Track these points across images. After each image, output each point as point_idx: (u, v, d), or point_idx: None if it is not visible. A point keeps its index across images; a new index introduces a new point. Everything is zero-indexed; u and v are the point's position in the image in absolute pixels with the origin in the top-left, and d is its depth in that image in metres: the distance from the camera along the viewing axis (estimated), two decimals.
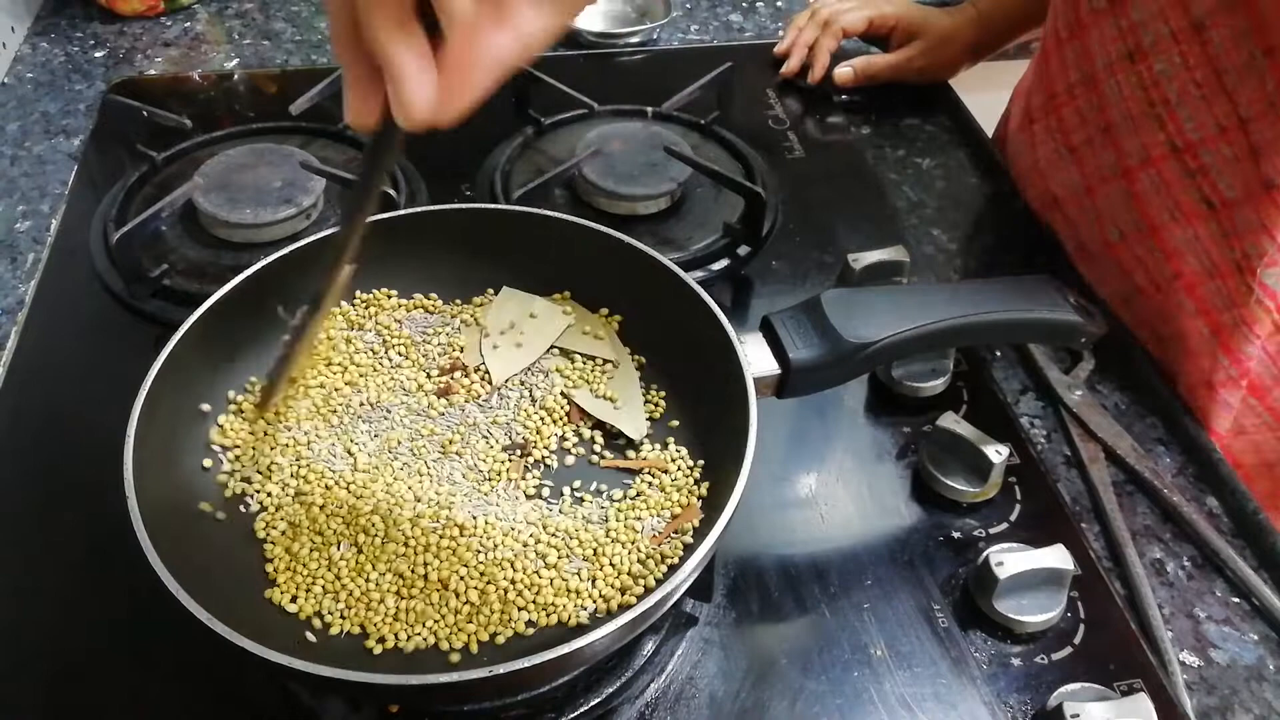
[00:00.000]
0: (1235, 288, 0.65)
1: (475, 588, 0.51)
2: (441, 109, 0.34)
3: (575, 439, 0.59)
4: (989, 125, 0.94)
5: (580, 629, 0.50)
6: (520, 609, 0.51)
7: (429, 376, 0.61)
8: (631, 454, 0.58)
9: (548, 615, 0.51)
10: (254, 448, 0.56)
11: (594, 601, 0.51)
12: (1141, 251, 0.71)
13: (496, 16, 0.33)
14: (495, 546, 0.53)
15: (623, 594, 0.51)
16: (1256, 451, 0.71)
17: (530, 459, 0.58)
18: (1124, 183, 0.71)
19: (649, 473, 0.57)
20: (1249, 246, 0.63)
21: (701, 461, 0.57)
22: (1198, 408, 0.69)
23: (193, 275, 0.72)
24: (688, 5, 1.10)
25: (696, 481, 0.56)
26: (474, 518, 0.54)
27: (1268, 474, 0.70)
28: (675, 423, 0.60)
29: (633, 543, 0.53)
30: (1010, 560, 0.52)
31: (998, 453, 0.57)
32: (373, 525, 0.53)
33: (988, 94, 0.98)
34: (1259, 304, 0.64)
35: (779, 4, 1.11)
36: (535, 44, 0.35)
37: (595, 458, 0.58)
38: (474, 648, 0.49)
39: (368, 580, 0.51)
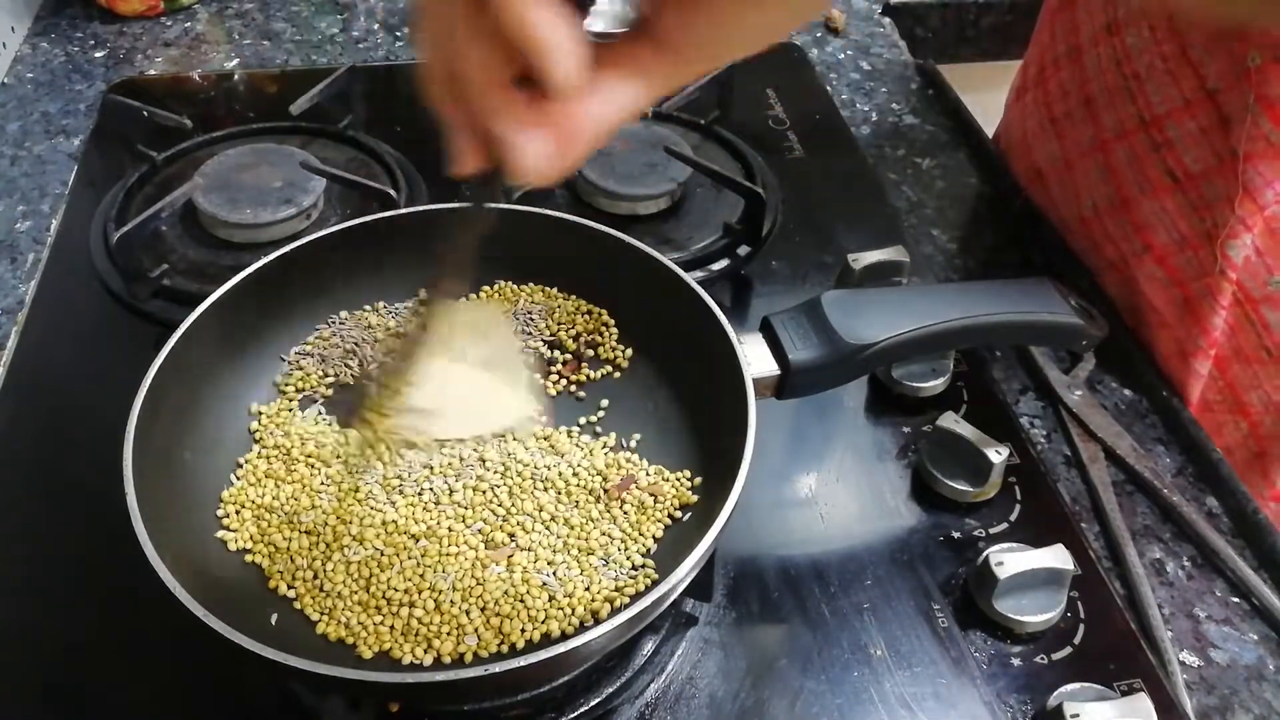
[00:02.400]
0: (1205, 257, 0.66)
1: (475, 605, 0.51)
2: (551, 170, 0.34)
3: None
4: (989, 125, 0.94)
5: (579, 628, 0.50)
6: (520, 627, 0.50)
7: None
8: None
9: (542, 624, 0.51)
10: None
11: (587, 606, 0.51)
12: (1112, 225, 0.72)
13: (594, 87, 0.34)
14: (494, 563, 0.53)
15: (619, 593, 0.51)
16: (1218, 432, 0.71)
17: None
18: (1100, 155, 0.72)
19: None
20: (1218, 217, 0.64)
21: (701, 462, 0.57)
22: (1175, 380, 0.69)
23: (193, 275, 0.72)
24: None
25: (694, 481, 0.56)
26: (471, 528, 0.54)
27: (1228, 458, 0.70)
28: (675, 423, 0.60)
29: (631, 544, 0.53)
30: (1010, 560, 0.52)
31: (998, 453, 0.57)
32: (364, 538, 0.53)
33: (988, 94, 0.98)
34: (1222, 274, 0.65)
35: None
36: (634, 112, 0.35)
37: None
38: (469, 659, 0.49)
39: (367, 593, 0.51)
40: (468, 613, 0.50)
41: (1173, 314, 0.69)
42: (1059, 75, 0.76)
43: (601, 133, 0.35)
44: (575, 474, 0.57)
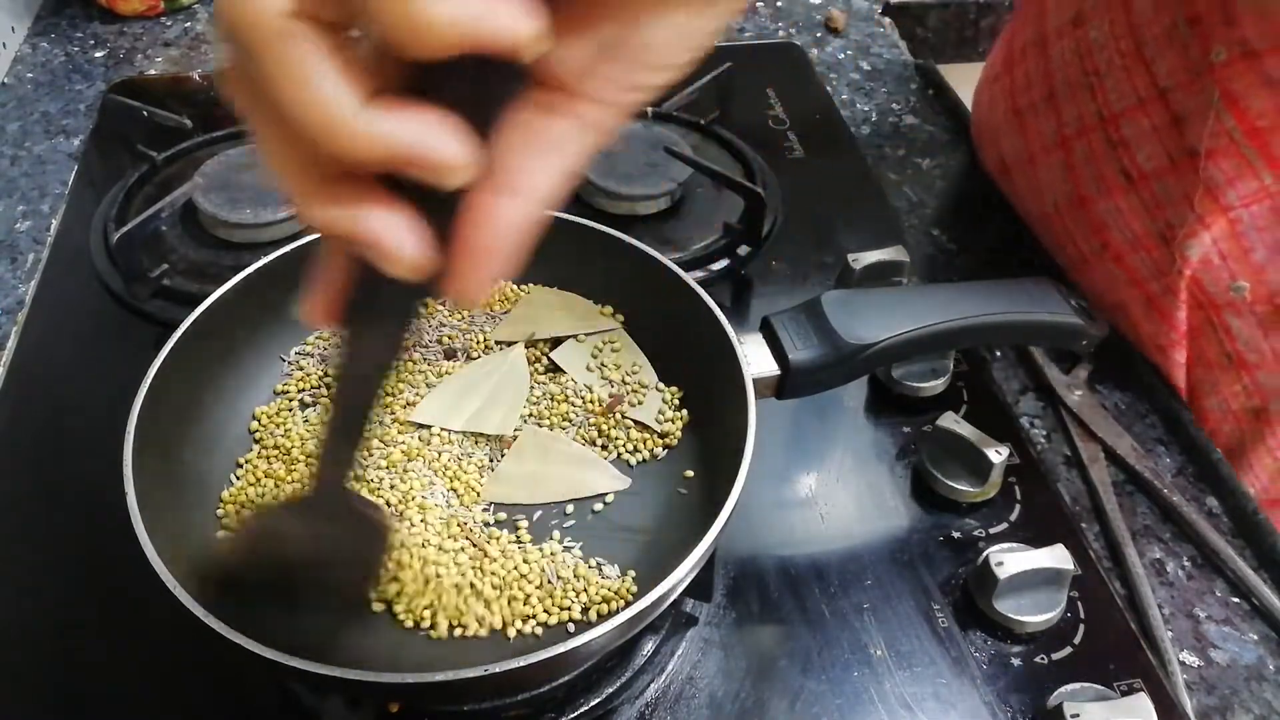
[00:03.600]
0: (1160, 258, 0.65)
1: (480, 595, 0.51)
2: (469, 292, 0.29)
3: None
4: None
5: (579, 628, 0.50)
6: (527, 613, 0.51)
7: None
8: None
9: (546, 615, 0.51)
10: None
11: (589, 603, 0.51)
12: (1072, 223, 0.72)
13: (500, 179, 0.28)
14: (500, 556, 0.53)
15: (618, 594, 0.51)
16: None
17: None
18: (1061, 152, 0.71)
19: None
20: (1173, 216, 0.63)
21: (701, 461, 0.57)
22: (1161, 371, 0.69)
23: (193, 275, 0.72)
24: None
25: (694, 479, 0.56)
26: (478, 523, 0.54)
27: None
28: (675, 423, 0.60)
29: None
30: (1010, 560, 0.52)
31: (998, 453, 0.57)
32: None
33: None
34: (1179, 274, 0.64)
35: (779, 4, 1.11)
36: (557, 192, 0.29)
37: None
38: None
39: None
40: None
41: (1139, 312, 0.68)
42: (1025, 65, 0.74)
43: (521, 237, 0.29)
44: None
